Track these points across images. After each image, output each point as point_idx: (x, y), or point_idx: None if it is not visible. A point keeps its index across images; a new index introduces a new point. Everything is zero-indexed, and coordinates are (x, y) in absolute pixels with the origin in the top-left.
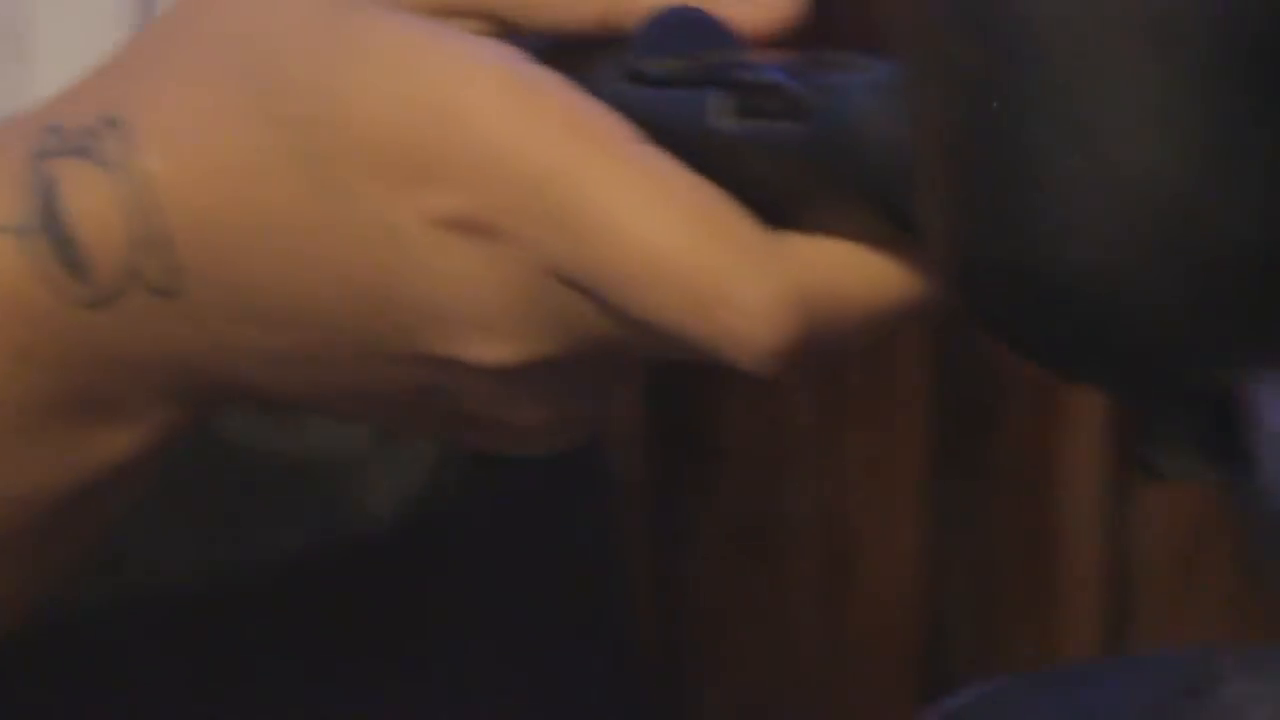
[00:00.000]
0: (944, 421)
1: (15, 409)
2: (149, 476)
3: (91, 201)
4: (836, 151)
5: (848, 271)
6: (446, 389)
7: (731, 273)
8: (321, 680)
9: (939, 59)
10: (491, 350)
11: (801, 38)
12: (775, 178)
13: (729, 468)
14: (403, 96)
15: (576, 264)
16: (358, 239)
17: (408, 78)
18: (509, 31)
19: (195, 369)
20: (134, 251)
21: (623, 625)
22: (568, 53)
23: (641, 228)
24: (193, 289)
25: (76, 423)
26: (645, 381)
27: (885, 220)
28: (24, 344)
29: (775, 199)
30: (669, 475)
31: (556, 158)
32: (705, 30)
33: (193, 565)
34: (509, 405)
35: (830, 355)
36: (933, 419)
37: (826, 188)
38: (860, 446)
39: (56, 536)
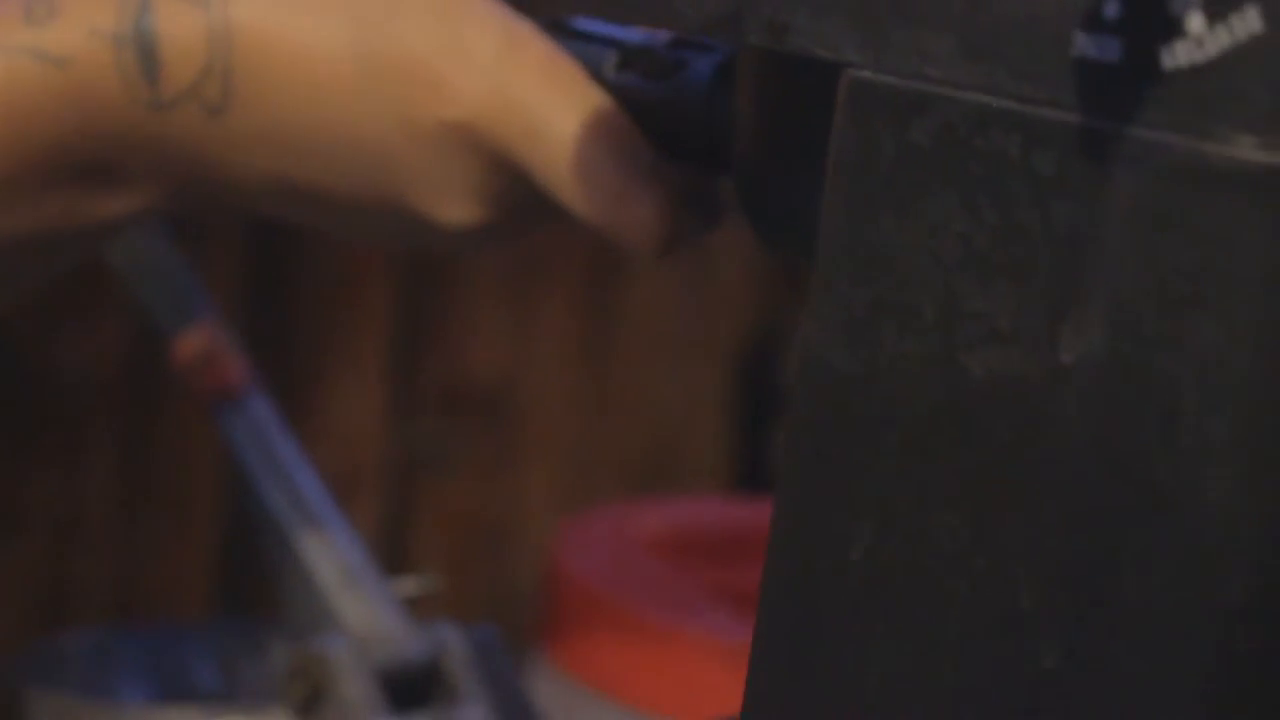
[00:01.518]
0: (234, 513)
1: (60, 162)
2: (104, 246)
3: (178, 31)
4: (682, 106)
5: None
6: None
7: (636, 179)
8: None
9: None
10: (456, 214)
11: None
12: (647, 119)
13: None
14: (444, 31)
15: (530, 160)
16: (378, 118)
17: (451, 15)
18: None
19: (206, 170)
20: (200, 76)
21: None
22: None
23: (580, 140)
24: (236, 111)
25: (93, 184)
26: None
27: (709, 162)
28: (87, 119)
29: (653, 133)
30: None
31: (532, 89)
32: None
33: None
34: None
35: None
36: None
37: (675, 133)
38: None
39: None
